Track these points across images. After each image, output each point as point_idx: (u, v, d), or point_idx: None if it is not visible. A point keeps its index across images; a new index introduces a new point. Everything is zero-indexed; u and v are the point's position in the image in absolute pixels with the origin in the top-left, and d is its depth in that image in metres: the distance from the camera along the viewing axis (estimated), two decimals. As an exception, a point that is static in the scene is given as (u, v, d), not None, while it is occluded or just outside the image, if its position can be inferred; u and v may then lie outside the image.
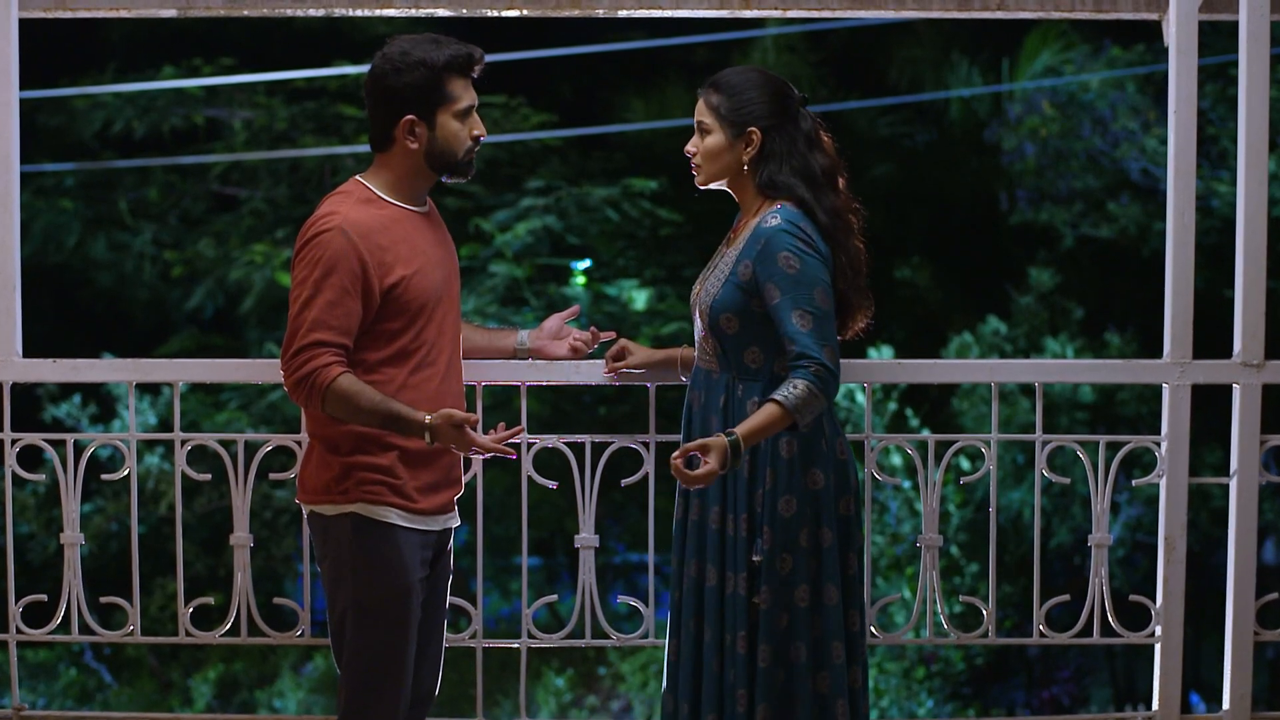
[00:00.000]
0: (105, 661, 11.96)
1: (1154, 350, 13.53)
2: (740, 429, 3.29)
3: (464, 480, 3.96)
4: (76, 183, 13.74)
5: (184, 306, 13.57)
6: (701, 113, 3.46)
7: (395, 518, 3.30)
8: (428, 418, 3.22)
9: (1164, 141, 12.93)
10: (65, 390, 12.29)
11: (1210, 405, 5.44)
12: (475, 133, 3.36)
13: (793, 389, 3.27)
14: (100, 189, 13.84)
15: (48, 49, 12.63)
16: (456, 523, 3.49)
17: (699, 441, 3.29)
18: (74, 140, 13.76)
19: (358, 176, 3.38)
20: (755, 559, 3.37)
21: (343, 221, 3.23)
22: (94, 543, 11.58)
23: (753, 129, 3.40)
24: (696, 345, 3.54)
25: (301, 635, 4.06)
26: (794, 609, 3.37)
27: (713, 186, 3.49)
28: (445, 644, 3.62)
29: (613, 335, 3.87)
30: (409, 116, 3.30)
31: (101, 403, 12.43)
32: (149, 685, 11.87)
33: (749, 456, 3.38)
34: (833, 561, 3.40)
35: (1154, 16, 4.23)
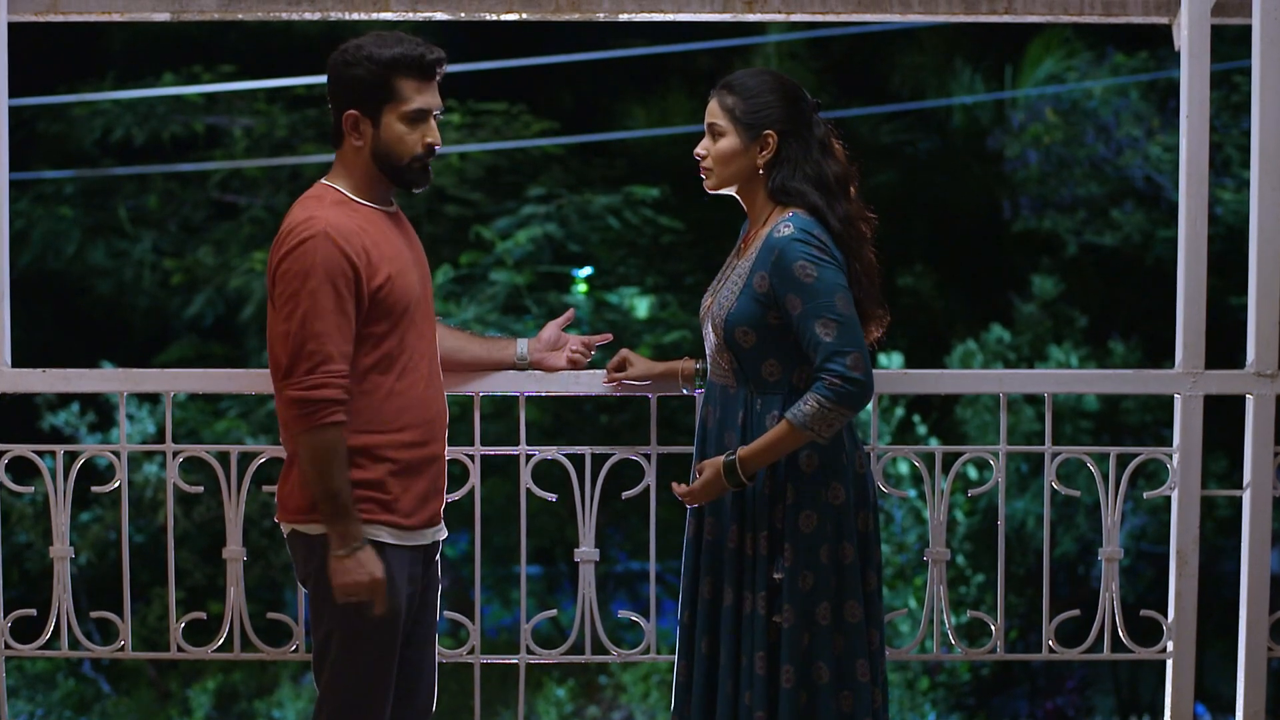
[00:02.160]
0: (103, 672, 11.89)
1: (1158, 358, 13.47)
2: (744, 449, 3.26)
3: (460, 492, 3.89)
4: (76, 190, 13.69)
5: (183, 314, 13.51)
6: (714, 114, 3.37)
7: (385, 536, 3.22)
8: (363, 545, 3.13)
9: (1168, 149, 12.89)
10: (63, 399, 12.23)
11: (1212, 411, 5.39)
12: (427, 140, 3.24)
13: (803, 405, 3.20)
14: (100, 196, 13.79)
15: (47, 56, 12.59)
16: (444, 534, 3.41)
17: (700, 464, 3.29)
18: (74, 147, 13.71)
19: (323, 180, 3.29)
20: (776, 576, 3.28)
21: (325, 226, 3.13)
22: (93, 551, 11.51)
23: (769, 132, 3.32)
24: (709, 359, 3.45)
25: (296, 651, 3.99)
26: (815, 627, 3.29)
27: (723, 192, 3.42)
28: (444, 659, 3.54)
29: (608, 338, 3.80)
30: (351, 111, 3.21)
31: (100, 411, 12.36)
32: (147, 695, 11.81)
33: (768, 472, 3.30)
34: (854, 578, 3.32)
35: (1164, 20, 4.14)
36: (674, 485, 3.35)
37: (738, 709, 3.33)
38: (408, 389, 3.24)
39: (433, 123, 3.25)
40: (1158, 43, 13.21)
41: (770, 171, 3.35)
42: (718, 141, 3.37)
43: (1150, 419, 12.13)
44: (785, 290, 3.24)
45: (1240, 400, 3.97)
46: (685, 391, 3.67)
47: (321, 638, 3.26)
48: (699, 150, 3.41)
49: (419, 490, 3.27)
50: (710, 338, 3.42)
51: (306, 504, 3.22)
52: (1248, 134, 12.71)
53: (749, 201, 3.42)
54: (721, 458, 3.27)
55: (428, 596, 3.40)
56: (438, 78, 3.24)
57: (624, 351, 3.72)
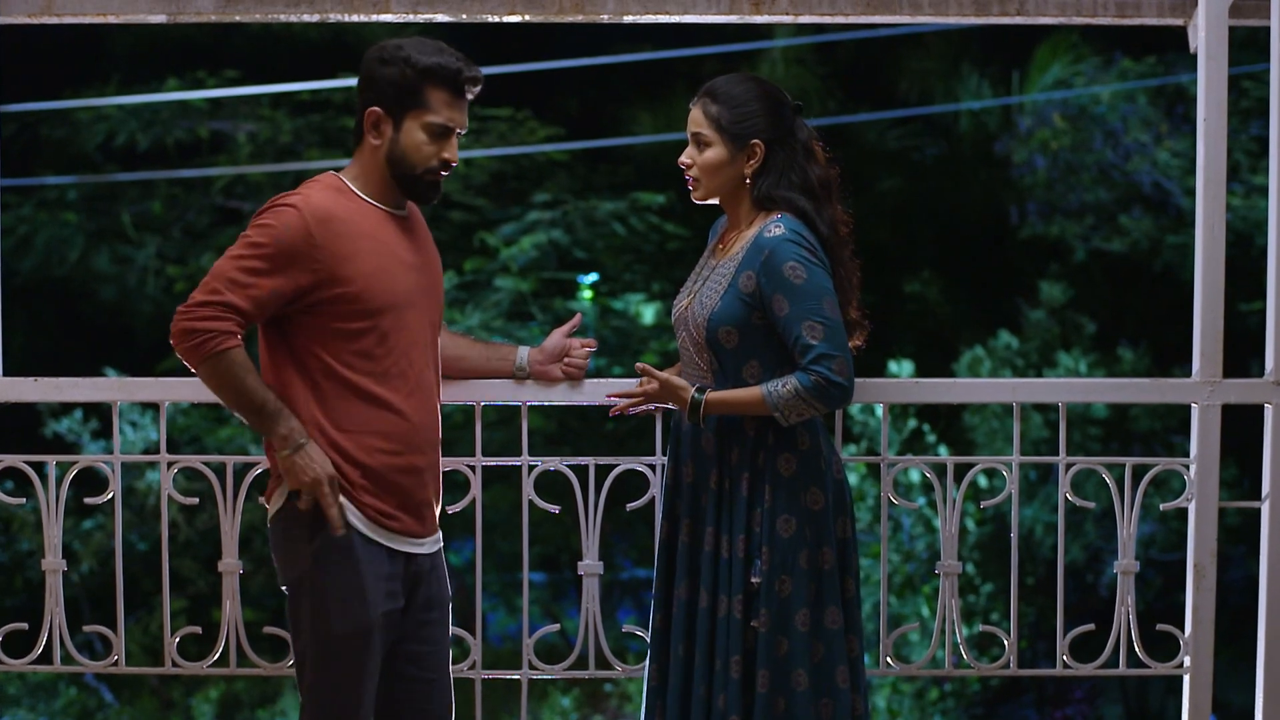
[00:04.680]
0: (105, 681, 11.84)
1: (1167, 364, 13.31)
2: (713, 394, 3.26)
3: (461, 503, 3.82)
4: (79, 196, 13.64)
5: (187, 321, 13.44)
6: (699, 124, 3.32)
7: (356, 523, 3.18)
8: (307, 441, 3.09)
9: (1176, 154, 12.83)
10: (66, 405, 12.18)
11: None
12: (445, 155, 3.20)
13: (781, 386, 3.19)
14: (103, 202, 13.75)
15: (50, 60, 12.54)
16: (435, 548, 3.36)
17: (670, 379, 3.33)
18: (77, 153, 13.66)
19: (334, 172, 3.27)
20: (754, 581, 3.24)
21: (303, 203, 3.11)
22: (95, 559, 11.46)
23: (756, 142, 3.28)
24: (685, 360, 3.40)
25: (293, 666, 3.90)
26: (794, 634, 3.25)
27: (709, 201, 3.37)
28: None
29: (594, 344, 3.70)
30: (375, 109, 3.17)
31: (103, 417, 12.31)
32: (150, 704, 11.75)
33: (748, 475, 3.26)
34: (834, 584, 3.28)
35: (1179, 22, 4.04)
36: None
37: (711, 712, 3.29)
38: (386, 393, 3.17)
39: (454, 140, 3.21)
40: (1166, 47, 13.15)
41: (756, 180, 3.31)
42: (704, 152, 3.32)
43: (1159, 425, 12.07)
44: (773, 290, 3.20)
45: (1248, 406, 3.87)
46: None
47: (300, 646, 3.22)
48: (683, 159, 3.37)
49: (392, 502, 3.20)
50: (687, 338, 3.36)
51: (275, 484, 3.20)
52: (1256, 139, 12.71)
53: (732, 207, 3.38)
54: (693, 389, 3.28)
55: (431, 614, 3.31)
56: (470, 96, 3.22)
57: (641, 366, 3.57)
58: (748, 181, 3.31)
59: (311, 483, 3.09)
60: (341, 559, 3.13)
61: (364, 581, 3.14)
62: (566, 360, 3.65)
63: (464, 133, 3.24)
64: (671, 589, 3.39)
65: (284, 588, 3.24)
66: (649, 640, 3.44)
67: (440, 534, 3.36)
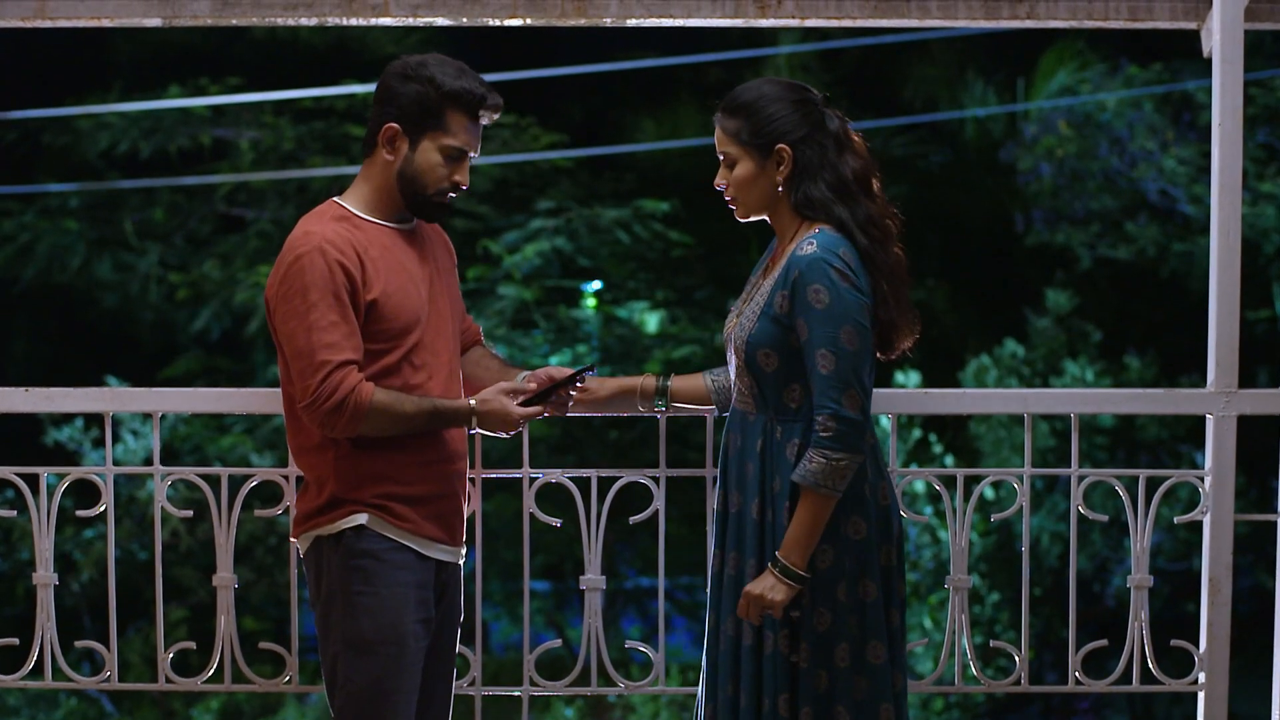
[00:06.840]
0: (106, 691, 11.79)
1: (1174, 373, 13.22)
2: (782, 547, 3.07)
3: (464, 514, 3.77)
4: (81, 203, 13.61)
5: (190, 328, 13.42)
6: (723, 143, 3.18)
7: (390, 532, 3.18)
8: (472, 402, 3.16)
9: (1182, 162, 12.78)
10: (67, 414, 12.13)
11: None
12: (456, 178, 3.18)
13: (809, 464, 3.03)
14: (105, 209, 13.71)
15: (52, 67, 12.50)
16: (460, 558, 3.32)
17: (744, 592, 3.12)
18: (79, 160, 13.63)
19: (334, 198, 3.23)
20: (794, 615, 3.11)
21: (320, 240, 3.08)
22: (96, 569, 11.41)
23: (782, 147, 3.13)
24: (733, 384, 3.27)
25: (290, 682, 3.84)
26: (834, 669, 3.11)
27: (754, 218, 3.23)
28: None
29: (572, 401, 3.48)
30: (393, 125, 3.14)
31: (104, 426, 12.26)
32: (150, 714, 11.69)
33: (788, 504, 3.11)
34: (878, 617, 3.13)
35: (1192, 25, 3.96)
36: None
37: None
38: None
39: (467, 163, 3.20)
40: (1172, 53, 13.10)
41: (790, 186, 3.15)
42: (734, 170, 3.18)
43: (1167, 434, 11.98)
44: (798, 313, 3.06)
45: (1253, 415, 3.79)
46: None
47: (330, 660, 3.19)
48: (718, 182, 3.23)
49: (423, 510, 3.19)
50: (732, 361, 3.25)
51: (319, 505, 3.17)
52: (1263, 146, 12.65)
53: (776, 220, 3.22)
54: (768, 571, 3.08)
55: (444, 632, 3.31)
56: (486, 122, 3.20)
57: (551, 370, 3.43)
58: (782, 189, 3.16)
59: (511, 425, 3.21)
60: (371, 564, 3.13)
61: (394, 588, 3.14)
62: (554, 398, 3.54)
63: (476, 156, 3.22)
64: (720, 624, 3.26)
65: (312, 605, 3.21)
66: (701, 679, 3.30)
67: (464, 549, 3.34)
